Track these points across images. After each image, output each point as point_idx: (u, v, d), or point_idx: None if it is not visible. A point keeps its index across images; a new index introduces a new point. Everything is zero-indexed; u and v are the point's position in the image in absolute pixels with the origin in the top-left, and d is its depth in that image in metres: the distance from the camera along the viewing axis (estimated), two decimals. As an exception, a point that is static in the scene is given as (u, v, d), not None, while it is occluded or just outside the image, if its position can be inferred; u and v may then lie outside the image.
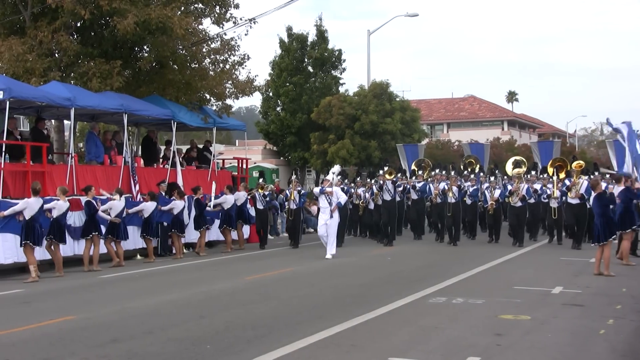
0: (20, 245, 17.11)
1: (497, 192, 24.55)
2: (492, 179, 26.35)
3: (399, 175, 27.44)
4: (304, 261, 19.98)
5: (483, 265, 18.68)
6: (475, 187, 25.62)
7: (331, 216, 21.07)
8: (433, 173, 27.99)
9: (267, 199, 24.61)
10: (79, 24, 25.24)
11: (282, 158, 50.44)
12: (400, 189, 25.57)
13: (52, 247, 17.83)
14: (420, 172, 28.86)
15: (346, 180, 28.93)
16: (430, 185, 26.54)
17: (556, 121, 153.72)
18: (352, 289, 14.88)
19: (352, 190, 27.57)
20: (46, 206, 17.40)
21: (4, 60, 23.50)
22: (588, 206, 22.38)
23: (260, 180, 25.12)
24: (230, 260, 21.30)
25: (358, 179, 28.78)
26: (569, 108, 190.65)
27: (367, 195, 26.69)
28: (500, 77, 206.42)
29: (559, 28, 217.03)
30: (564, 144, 68.70)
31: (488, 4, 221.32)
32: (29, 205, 16.86)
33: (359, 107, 43.21)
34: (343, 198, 22.03)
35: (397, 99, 45.44)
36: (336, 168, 22.81)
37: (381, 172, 25.07)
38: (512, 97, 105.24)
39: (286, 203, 24.89)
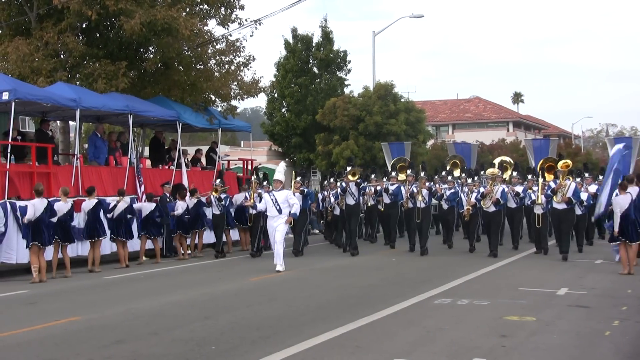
0: (27, 247, 17.21)
1: (473, 196, 21.77)
2: (469, 181, 23.33)
3: (372, 176, 26.38)
4: (309, 263, 19.97)
5: (488, 266, 18.65)
6: (453, 190, 23.49)
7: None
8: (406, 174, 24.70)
9: (223, 202, 22.25)
10: (84, 25, 25.33)
11: (287, 159, 50.41)
12: (371, 191, 24.58)
13: (60, 248, 17.93)
14: (393, 174, 26.34)
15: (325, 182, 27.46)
16: (402, 187, 23.53)
17: (562, 122, 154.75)
18: (357, 290, 14.88)
19: (326, 193, 26.12)
20: (56, 209, 17.53)
21: (10, 60, 23.56)
22: (580, 212, 21.31)
23: (217, 181, 22.95)
24: (234, 261, 21.27)
25: (332, 180, 26.21)
26: (575, 109, 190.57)
27: (332, 199, 24.51)
28: (506, 78, 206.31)
29: (566, 29, 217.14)
30: (569, 145, 68.61)
31: (494, 5, 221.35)
32: (35, 208, 16.93)
33: (363, 108, 43.21)
34: (296, 207, 18.63)
35: (402, 100, 45.40)
36: (282, 165, 20.25)
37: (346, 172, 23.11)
38: (517, 98, 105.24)
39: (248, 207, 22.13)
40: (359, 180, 22.28)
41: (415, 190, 21.85)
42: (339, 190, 23.05)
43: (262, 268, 18.60)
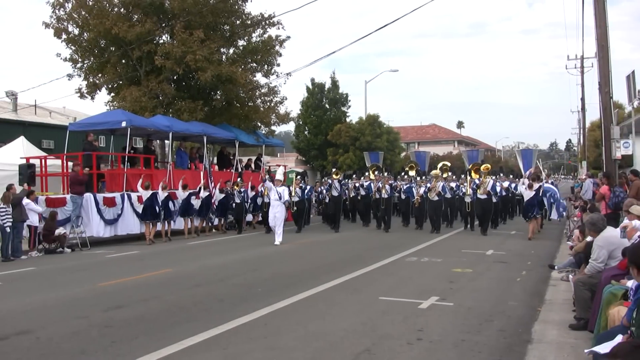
0: (141, 220, 17.75)
1: (422, 189, 20.73)
2: (418, 179, 22.10)
3: (353, 175, 25.63)
4: (318, 236, 19.89)
5: (441, 236, 18.53)
6: (408, 185, 22.06)
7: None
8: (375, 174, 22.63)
9: (242, 195, 21.15)
10: (175, 77, 25.42)
11: (308, 165, 50.36)
12: (350, 186, 23.77)
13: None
14: (367, 174, 24.65)
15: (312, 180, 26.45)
16: (372, 184, 22.00)
17: (489, 140, 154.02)
18: (354, 252, 14.84)
19: (321, 187, 25.03)
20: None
21: (127, 101, 23.78)
22: (495, 200, 20.00)
23: (238, 179, 21.85)
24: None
25: (325, 178, 25.06)
26: (498, 132, 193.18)
27: (324, 191, 23.55)
28: (453, 111, 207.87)
29: (492, 78, 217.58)
30: (493, 155, 68.17)
31: (444, 62, 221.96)
32: (143, 195, 17.55)
33: (358, 131, 43.08)
34: (285, 198, 17.83)
35: (384, 126, 45.21)
36: (280, 170, 18.94)
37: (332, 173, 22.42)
38: (460, 124, 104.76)
39: (260, 198, 21.61)
40: (340, 179, 22.08)
41: (380, 185, 20.96)
42: (327, 185, 22.74)
43: (290, 239, 18.53)
